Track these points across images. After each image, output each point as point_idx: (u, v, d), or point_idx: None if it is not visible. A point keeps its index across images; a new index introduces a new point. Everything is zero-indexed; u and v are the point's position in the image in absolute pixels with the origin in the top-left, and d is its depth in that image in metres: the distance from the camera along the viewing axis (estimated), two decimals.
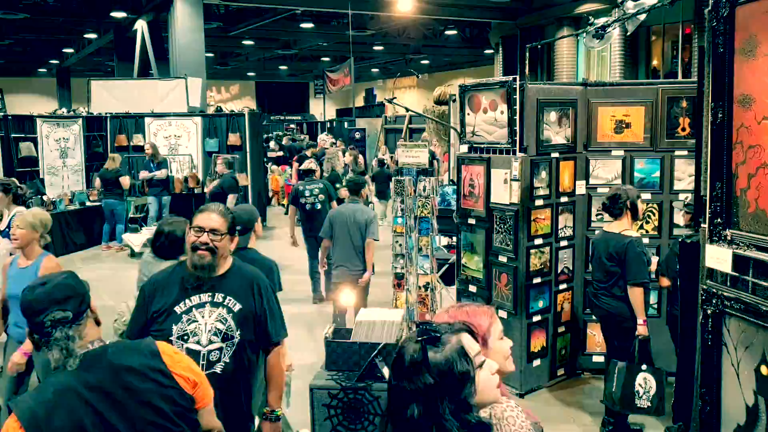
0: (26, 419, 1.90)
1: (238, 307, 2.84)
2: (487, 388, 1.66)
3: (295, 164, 16.31)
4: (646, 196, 5.52)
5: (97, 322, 2.17)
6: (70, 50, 28.57)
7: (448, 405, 1.56)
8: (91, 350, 2.06)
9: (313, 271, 8.28)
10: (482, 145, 5.49)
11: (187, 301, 2.82)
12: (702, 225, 2.31)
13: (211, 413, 2.28)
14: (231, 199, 9.75)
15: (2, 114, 12.89)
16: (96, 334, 2.13)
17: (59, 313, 2.01)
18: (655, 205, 5.53)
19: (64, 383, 1.98)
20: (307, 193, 7.96)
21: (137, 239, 11.02)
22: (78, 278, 2.19)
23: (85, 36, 25.09)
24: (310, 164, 8.62)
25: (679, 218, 5.48)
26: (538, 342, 5.44)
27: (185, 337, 2.76)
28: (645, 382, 4.37)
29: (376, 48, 28.66)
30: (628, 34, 14.81)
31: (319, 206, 7.90)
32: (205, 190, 12.65)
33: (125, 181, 11.38)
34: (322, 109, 34.59)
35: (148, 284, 2.93)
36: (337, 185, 9.58)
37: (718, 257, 2.20)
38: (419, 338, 1.62)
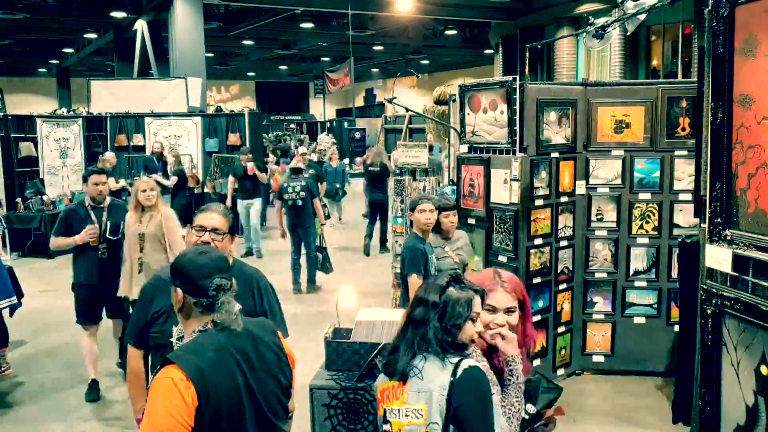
0: (194, 374, 2.04)
1: (237, 307, 2.83)
2: (467, 333, 2.27)
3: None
4: (646, 196, 5.52)
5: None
6: (70, 50, 28.59)
7: (436, 321, 2.23)
8: None
9: (294, 264, 8.83)
10: (482, 145, 5.49)
11: None
12: (702, 225, 2.31)
13: (294, 395, 2.51)
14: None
15: (2, 114, 12.89)
16: (236, 307, 2.29)
17: (223, 280, 2.21)
18: (655, 205, 5.53)
19: (221, 343, 2.15)
20: (289, 190, 8.56)
21: None
22: None
23: (85, 36, 25.11)
24: (297, 163, 9.64)
25: (680, 218, 5.49)
26: (538, 342, 5.44)
27: (185, 338, 2.76)
28: None
29: (376, 48, 28.67)
30: (628, 34, 14.80)
31: (300, 202, 8.48)
32: (206, 189, 12.66)
33: (110, 182, 11.26)
34: (322, 109, 34.61)
35: (148, 285, 2.92)
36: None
37: (718, 257, 2.20)
38: (450, 277, 2.31)
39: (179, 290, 2.24)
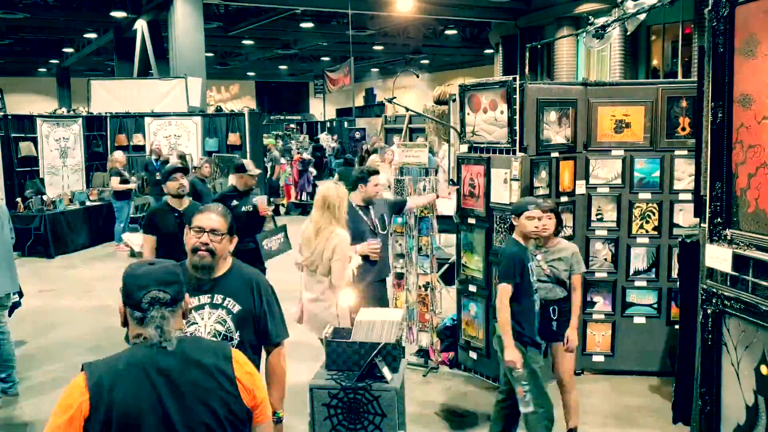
0: (92, 384, 1.95)
1: (237, 308, 2.83)
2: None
3: (296, 164, 16.32)
4: (646, 195, 5.53)
5: (184, 315, 2.22)
6: (70, 50, 28.61)
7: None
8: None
9: None
10: (482, 145, 5.49)
11: None
12: (702, 225, 2.31)
13: (266, 430, 2.27)
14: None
15: (2, 114, 12.89)
16: (180, 325, 2.16)
17: (159, 293, 2.07)
18: (655, 205, 5.53)
19: (137, 360, 2.02)
20: None
21: (137, 239, 11.00)
22: (184, 270, 2.26)
23: (85, 36, 25.13)
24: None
25: (680, 218, 5.49)
26: None
27: None
28: None
29: (376, 48, 28.69)
30: (628, 33, 14.81)
31: None
32: None
33: (112, 182, 11.29)
34: (322, 108, 34.61)
35: None
36: None
37: (718, 257, 2.20)
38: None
39: (121, 300, 2.12)
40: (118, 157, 11.51)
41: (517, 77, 5.15)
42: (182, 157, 11.98)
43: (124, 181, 11.27)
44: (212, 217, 2.86)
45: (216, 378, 2.07)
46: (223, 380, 2.08)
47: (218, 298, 2.83)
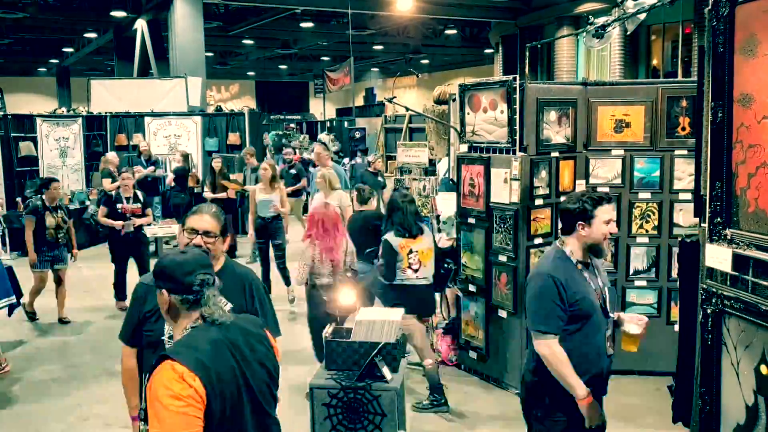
0: (199, 368, 2.08)
1: (228, 306, 2.83)
2: None
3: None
4: (646, 195, 5.52)
5: None
6: (70, 50, 28.60)
7: None
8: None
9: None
10: (482, 145, 5.49)
11: None
12: (702, 224, 2.31)
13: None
14: None
15: (2, 113, 12.88)
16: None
17: (207, 275, 2.26)
18: (654, 205, 5.53)
19: (214, 336, 2.20)
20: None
21: None
22: None
23: (85, 35, 25.11)
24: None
25: (680, 218, 5.48)
26: None
27: (175, 338, 2.76)
28: None
29: (376, 47, 28.69)
30: (628, 33, 14.79)
31: None
32: (205, 189, 12.63)
33: (104, 183, 11.24)
34: (321, 108, 34.59)
35: (141, 284, 2.93)
36: None
37: (718, 257, 2.20)
38: None
39: (164, 292, 2.26)
40: (111, 158, 11.49)
41: (517, 77, 5.15)
42: (185, 155, 11.94)
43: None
44: (206, 219, 2.88)
45: (264, 343, 2.36)
46: (266, 343, 2.38)
47: None
